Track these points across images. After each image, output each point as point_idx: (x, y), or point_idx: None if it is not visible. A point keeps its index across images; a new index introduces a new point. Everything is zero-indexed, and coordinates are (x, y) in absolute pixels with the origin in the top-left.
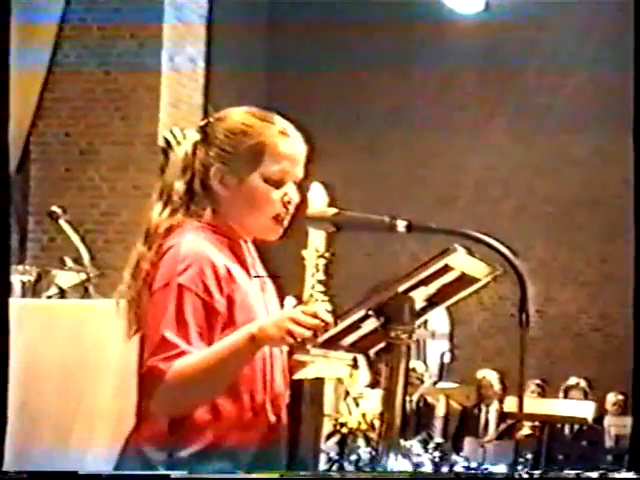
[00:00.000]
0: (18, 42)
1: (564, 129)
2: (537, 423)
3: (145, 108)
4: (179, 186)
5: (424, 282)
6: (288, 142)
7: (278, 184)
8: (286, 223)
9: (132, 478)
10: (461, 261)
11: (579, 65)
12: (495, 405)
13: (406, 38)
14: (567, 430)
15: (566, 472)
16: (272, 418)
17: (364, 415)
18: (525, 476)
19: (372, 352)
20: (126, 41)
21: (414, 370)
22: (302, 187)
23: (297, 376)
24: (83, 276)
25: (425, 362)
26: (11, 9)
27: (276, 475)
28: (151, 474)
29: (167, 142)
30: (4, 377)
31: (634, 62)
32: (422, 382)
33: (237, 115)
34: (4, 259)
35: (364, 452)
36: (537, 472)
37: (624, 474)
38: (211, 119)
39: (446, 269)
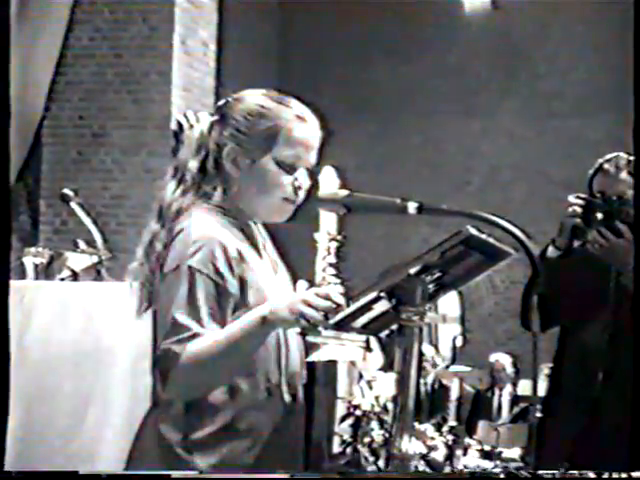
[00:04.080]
0: (30, 26)
1: (576, 113)
2: None
3: (157, 91)
4: (192, 164)
5: (436, 264)
6: (303, 127)
7: (290, 169)
8: (295, 207)
9: (132, 478)
10: (473, 243)
11: (591, 48)
12: (508, 388)
13: (418, 22)
14: None
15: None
16: (287, 398)
17: (377, 398)
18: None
19: (384, 334)
20: (138, 24)
21: (435, 352)
22: (314, 171)
23: (310, 359)
24: (95, 259)
25: (437, 346)
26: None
27: (286, 475)
28: (152, 474)
29: (179, 125)
30: (5, 369)
31: (634, 61)
32: (435, 365)
33: (255, 97)
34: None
35: (378, 435)
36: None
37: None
38: (229, 99)
39: (458, 251)
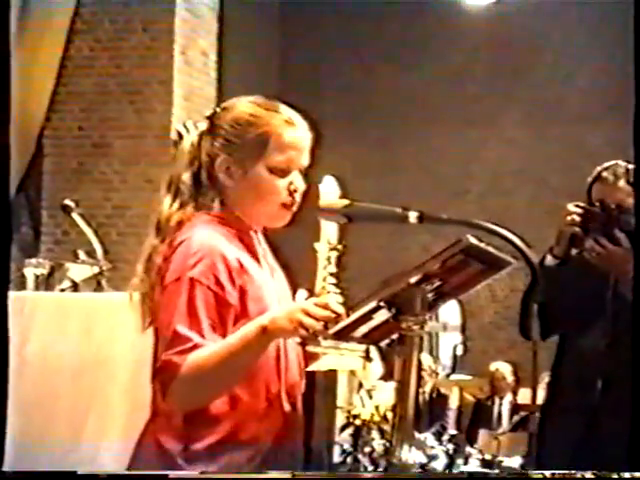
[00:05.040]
0: (31, 37)
1: (577, 120)
2: None
3: (158, 101)
4: (186, 177)
5: (436, 273)
6: (293, 131)
7: (283, 173)
8: (293, 210)
9: (131, 478)
10: (473, 252)
11: (592, 56)
12: (509, 397)
13: (419, 29)
14: None
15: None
16: (287, 407)
17: (377, 407)
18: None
19: (384, 343)
20: (138, 35)
21: (435, 361)
22: (309, 177)
23: (310, 368)
24: (96, 269)
25: (437, 355)
26: (10, 9)
27: (288, 475)
28: (150, 474)
29: (179, 135)
30: (4, 375)
31: (634, 68)
32: (436, 374)
33: (243, 105)
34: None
35: (378, 444)
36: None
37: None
38: (217, 109)
39: (458, 260)
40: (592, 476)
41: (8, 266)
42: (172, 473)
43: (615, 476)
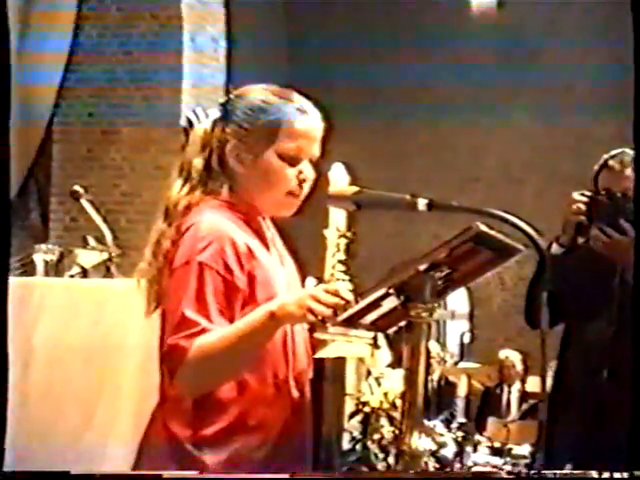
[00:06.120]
0: (39, 24)
1: (586, 109)
2: None
3: (166, 88)
4: (198, 163)
5: (445, 261)
6: (305, 120)
7: (293, 161)
8: (301, 200)
9: (126, 478)
10: (482, 240)
11: (601, 45)
12: (517, 385)
13: (429, 17)
14: None
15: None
16: (295, 394)
17: (386, 394)
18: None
19: (392, 331)
20: (147, 22)
21: (441, 349)
22: (320, 165)
23: (318, 355)
24: (105, 255)
25: (445, 343)
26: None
27: (286, 475)
28: (145, 474)
29: (189, 122)
30: (4, 368)
31: (634, 60)
32: (444, 362)
33: (256, 92)
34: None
35: (387, 431)
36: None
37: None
38: (231, 96)
39: (467, 248)
40: (606, 476)
41: (9, 253)
42: (166, 473)
43: (617, 476)
